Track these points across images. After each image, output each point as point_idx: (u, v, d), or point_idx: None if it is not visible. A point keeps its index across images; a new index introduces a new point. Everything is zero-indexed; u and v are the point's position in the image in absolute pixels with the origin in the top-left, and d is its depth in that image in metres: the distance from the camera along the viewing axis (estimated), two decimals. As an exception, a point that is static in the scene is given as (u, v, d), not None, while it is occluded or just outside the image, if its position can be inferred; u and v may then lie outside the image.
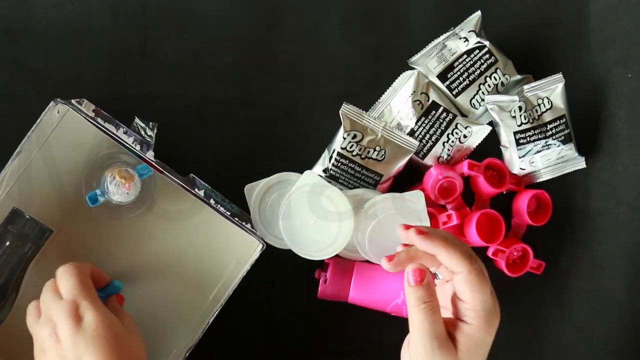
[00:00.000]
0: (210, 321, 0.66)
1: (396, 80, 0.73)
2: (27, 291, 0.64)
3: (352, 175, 0.71)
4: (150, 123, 0.66)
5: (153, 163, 0.65)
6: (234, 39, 0.74)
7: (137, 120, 0.66)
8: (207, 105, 0.74)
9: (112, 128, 0.64)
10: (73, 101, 0.64)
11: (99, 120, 0.64)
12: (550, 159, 0.74)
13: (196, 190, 0.66)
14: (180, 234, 0.66)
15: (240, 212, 0.69)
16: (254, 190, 0.70)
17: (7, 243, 0.63)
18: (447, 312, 0.51)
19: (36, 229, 0.63)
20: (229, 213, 0.66)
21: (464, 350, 0.48)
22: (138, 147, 0.65)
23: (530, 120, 0.73)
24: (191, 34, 0.74)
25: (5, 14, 0.72)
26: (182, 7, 0.74)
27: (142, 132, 0.67)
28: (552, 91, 0.73)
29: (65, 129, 0.63)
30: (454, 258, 0.47)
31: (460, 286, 0.48)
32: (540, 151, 0.73)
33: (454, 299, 0.49)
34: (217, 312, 0.66)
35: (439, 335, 0.47)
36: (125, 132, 0.65)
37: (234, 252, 0.67)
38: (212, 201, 0.66)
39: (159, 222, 0.66)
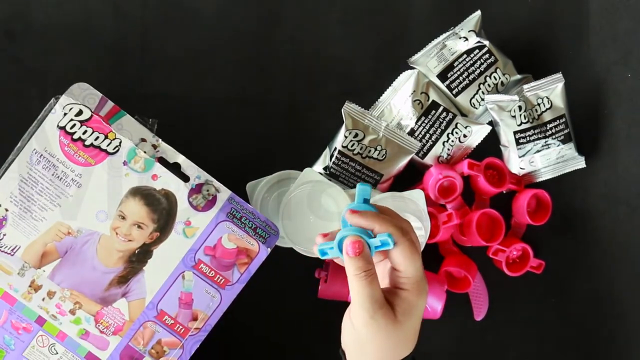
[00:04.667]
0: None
1: (396, 79, 0.73)
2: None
3: (352, 174, 0.71)
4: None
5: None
6: (234, 37, 0.74)
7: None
8: (207, 105, 0.74)
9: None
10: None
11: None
12: (550, 159, 0.74)
13: None
14: None
15: None
16: (256, 188, 0.70)
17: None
18: (383, 285, 0.55)
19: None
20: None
21: (400, 312, 0.52)
22: None
23: (530, 120, 0.73)
24: (191, 33, 0.74)
25: (5, 14, 0.72)
26: (182, 6, 0.74)
27: None
28: (552, 91, 0.73)
29: None
30: (388, 231, 0.51)
31: (395, 256, 0.52)
32: (540, 151, 0.73)
33: (391, 272, 0.54)
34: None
35: (378, 298, 0.51)
36: None
37: None
38: None
39: None
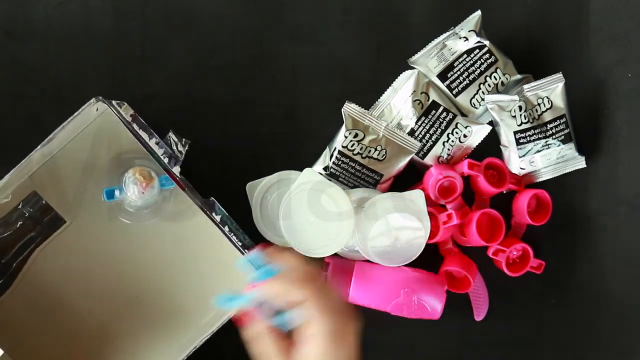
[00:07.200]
0: (198, 345, 0.66)
1: (396, 80, 0.73)
2: (27, 275, 0.64)
3: (352, 174, 0.71)
4: (183, 139, 0.67)
5: (177, 178, 0.65)
6: (234, 38, 0.74)
7: (170, 133, 0.67)
8: (207, 105, 0.74)
9: (145, 136, 0.65)
10: (114, 102, 0.65)
11: (134, 125, 0.65)
12: (550, 159, 0.74)
13: (214, 214, 0.66)
14: (188, 253, 0.66)
15: (252, 245, 0.69)
16: (255, 189, 0.70)
17: (19, 224, 0.64)
18: None
19: (50, 216, 0.64)
20: (240, 244, 0.66)
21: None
22: (166, 160, 0.65)
23: (530, 120, 0.73)
24: (191, 33, 0.74)
25: (5, 14, 0.72)
26: (182, 6, 0.74)
27: (174, 147, 0.67)
28: (552, 91, 0.73)
29: (100, 127, 0.64)
30: (292, 294, 0.50)
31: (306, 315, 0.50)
32: (540, 151, 0.73)
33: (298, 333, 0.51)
34: (206, 338, 0.66)
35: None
36: (157, 143, 0.65)
37: (236, 283, 0.67)
38: (226, 228, 0.66)
39: (169, 237, 0.66)
